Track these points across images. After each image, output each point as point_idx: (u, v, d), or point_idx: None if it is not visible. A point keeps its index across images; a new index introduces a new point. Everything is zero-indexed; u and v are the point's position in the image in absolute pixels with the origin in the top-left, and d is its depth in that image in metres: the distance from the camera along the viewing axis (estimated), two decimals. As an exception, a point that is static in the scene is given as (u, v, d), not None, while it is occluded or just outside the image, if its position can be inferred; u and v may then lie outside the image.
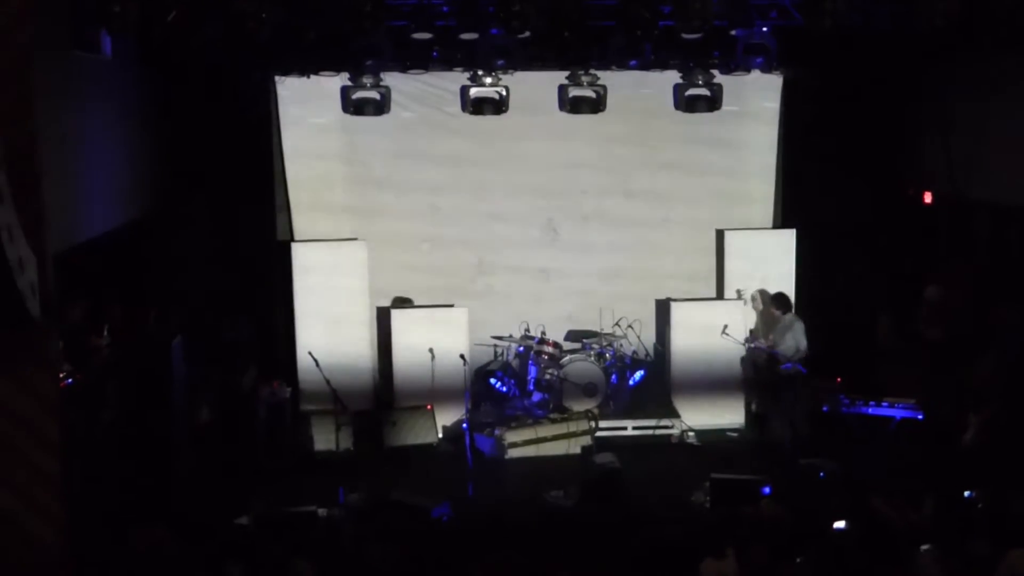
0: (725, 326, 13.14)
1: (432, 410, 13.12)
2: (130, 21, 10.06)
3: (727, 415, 13.53)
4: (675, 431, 13.41)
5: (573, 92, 13.55)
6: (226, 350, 13.27)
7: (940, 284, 13.43)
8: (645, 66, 13.21)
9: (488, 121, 13.84)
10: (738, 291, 13.69)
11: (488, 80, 13.27)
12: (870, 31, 11.61)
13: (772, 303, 13.17)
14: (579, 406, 13.30)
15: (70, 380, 9.71)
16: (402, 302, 14.11)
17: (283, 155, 14.35)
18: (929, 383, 12.93)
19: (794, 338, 12.72)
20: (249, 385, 13.20)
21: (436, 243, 14.69)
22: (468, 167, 14.62)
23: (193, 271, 14.04)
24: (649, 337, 14.54)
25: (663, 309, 14.28)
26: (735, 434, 13.38)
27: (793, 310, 13.03)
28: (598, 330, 14.24)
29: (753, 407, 13.55)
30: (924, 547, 7.72)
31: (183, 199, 13.98)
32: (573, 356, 13.79)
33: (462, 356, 13.00)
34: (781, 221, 14.90)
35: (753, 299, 13.60)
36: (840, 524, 8.85)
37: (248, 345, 13.53)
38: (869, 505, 9.02)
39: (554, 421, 12.87)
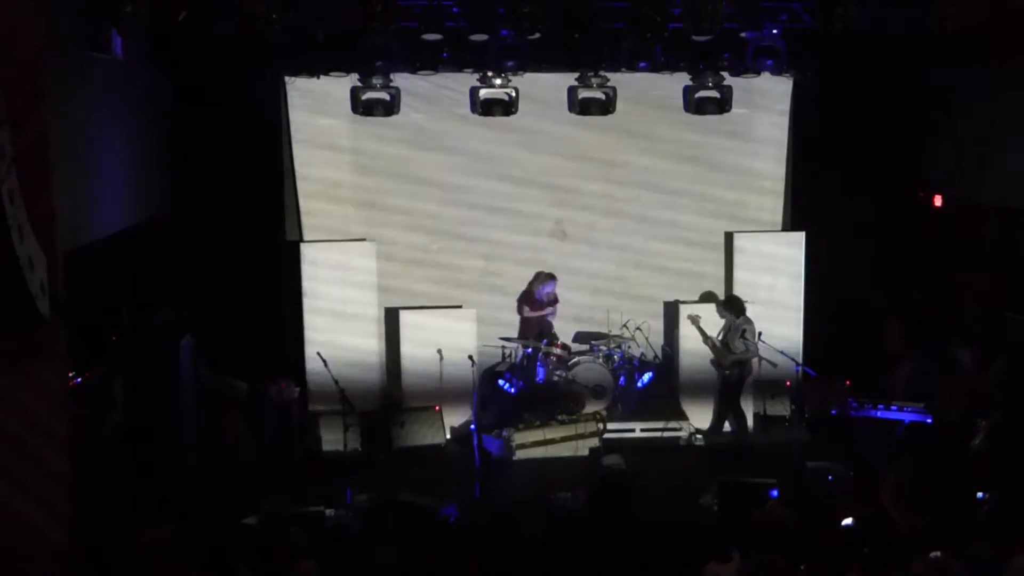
0: (698, 316, 13.24)
1: (440, 411, 13.14)
2: (141, 21, 10.08)
3: (735, 418, 13.48)
4: (683, 433, 13.41)
5: (583, 94, 13.54)
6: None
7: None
8: (655, 68, 13.18)
9: (497, 122, 13.84)
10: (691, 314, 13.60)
11: (498, 81, 13.26)
12: (881, 34, 11.58)
13: (726, 308, 13.16)
14: (587, 408, 13.29)
15: (79, 379, 9.74)
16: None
17: (292, 155, 14.38)
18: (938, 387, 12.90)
19: (743, 340, 12.80)
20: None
21: (445, 244, 14.70)
22: (477, 168, 14.64)
23: (202, 271, 14.07)
24: (657, 339, 14.54)
25: (672, 311, 14.28)
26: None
27: (744, 312, 13.03)
28: (606, 332, 14.25)
29: (765, 411, 13.56)
30: (934, 553, 7.71)
31: (193, 199, 14.00)
32: (581, 358, 13.80)
33: (470, 357, 13.01)
34: (790, 224, 14.89)
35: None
36: (848, 521, 8.87)
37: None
38: (877, 501, 9.01)
39: (562, 423, 12.86)
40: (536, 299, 14.23)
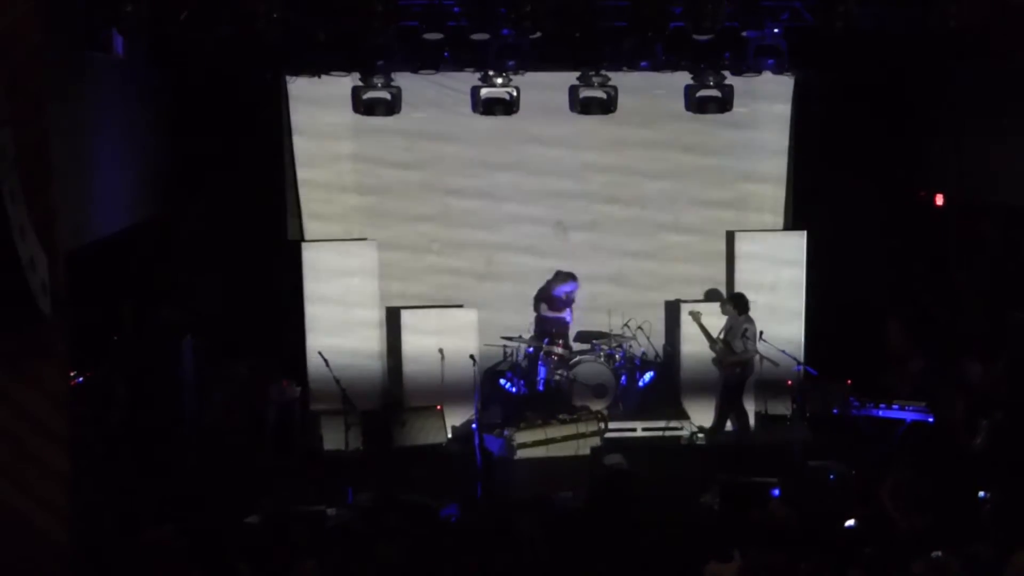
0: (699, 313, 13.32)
1: (441, 410, 13.14)
2: (142, 21, 10.09)
3: (736, 417, 13.47)
4: (684, 432, 13.42)
5: (584, 93, 13.53)
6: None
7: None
8: (656, 67, 13.18)
9: (499, 122, 13.84)
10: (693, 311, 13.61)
11: (499, 81, 13.25)
12: (882, 33, 11.57)
13: (731, 304, 13.16)
14: (588, 407, 13.27)
15: (80, 378, 9.75)
16: None
17: (294, 155, 14.39)
18: (939, 386, 12.90)
19: (744, 340, 12.82)
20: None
21: (446, 243, 14.71)
22: (478, 167, 14.64)
23: (204, 270, 14.06)
24: (658, 339, 14.53)
25: (673, 311, 14.28)
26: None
27: (748, 311, 13.03)
28: (608, 331, 14.25)
29: (766, 410, 13.55)
30: (935, 553, 7.71)
31: (194, 199, 14.00)
32: (583, 357, 13.80)
33: (472, 356, 13.01)
34: (792, 223, 14.88)
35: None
36: (851, 522, 8.86)
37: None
38: (877, 499, 9.01)
39: (563, 422, 12.83)
40: (555, 298, 14.22)
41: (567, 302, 14.28)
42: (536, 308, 14.49)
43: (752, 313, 13.03)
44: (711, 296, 14.39)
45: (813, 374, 13.24)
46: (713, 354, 13.19)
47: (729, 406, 13.09)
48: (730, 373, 12.94)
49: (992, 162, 13.08)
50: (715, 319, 13.32)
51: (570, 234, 14.84)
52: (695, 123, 14.36)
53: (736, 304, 13.07)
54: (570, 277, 14.27)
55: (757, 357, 13.18)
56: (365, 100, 13.35)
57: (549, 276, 14.59)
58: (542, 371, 13.84)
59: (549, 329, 14.16)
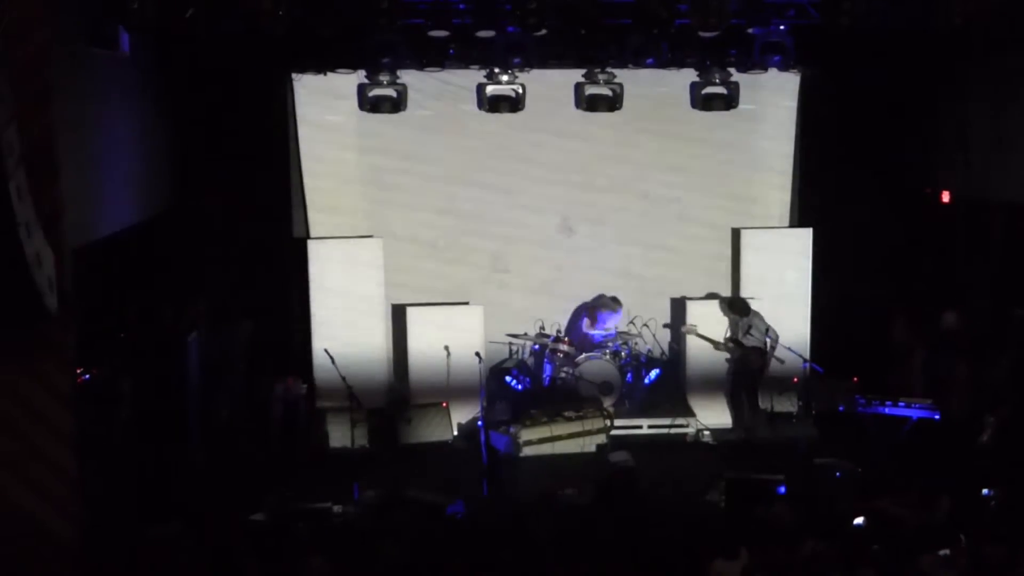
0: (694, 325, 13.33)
1: (447, 407, 13.15)
2: (148, 18, 10.11)
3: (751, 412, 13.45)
4: (690, 430, 13.40)
5: (589, 90, 13.54)
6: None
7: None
8: (662, 64, 13.18)
9: (504, 119, 13.84)
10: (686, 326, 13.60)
11: (504, 78, 13.27)
12: (888, 30, 11.55)
13: (730, 310, 13.19)
14: (594, 405, 13.27)
15: (86, 376, 9.76)
16: None
17: (299, 152, 14.38)
18: (945, 383, 12.88)
19: (759, 332, 12.84)
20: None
21: (451, 241, 14.70)
22: (484, 165, 14.63)
23: (209, 268, 14.07)
24: (664, 336, 14.52)
25: (678, 308, 14.27)
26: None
27: (750, 312, 13.08)
28: (613, 328, 14.24)
29: (772, 407, 13.54)
30: (943, 551, 7.70)
31: (199, 196, 14.01)
32: (588, 354, 13.79)
33: (477, 354, 13.00)
34: (797, 220, 14.86)
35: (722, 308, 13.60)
36: (859, 521, 8.86)
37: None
38: (877, 507, 9.02)
39: (569, 419, 12.85)
40: (604, 325, 14.12)
41: (610, 326, 14.21)
42: (580, 324, 14.35)
43: (759, 309, 13.05)
44: (712, 299, 14.30)
45: (819, 371, 13.23)
46: (727, 355, 13.18)
47: (745, 397, 13.05)
48: (752, 364, 12.92)
49: (998, 158, 13.05)
50: (716, 316, 13.34)
51: (575, 231, 14.83)
52: (701, 120, 14.34)
53: (735, 309, 13.09)
54: (618, 304, 14.17)
55: (773, 347, 13.16)
56: (371, 97, 13.37)
57: (556, 273, 14.63)
58: (548, 368, 13.83)
59: (595, 343, 14.10)
